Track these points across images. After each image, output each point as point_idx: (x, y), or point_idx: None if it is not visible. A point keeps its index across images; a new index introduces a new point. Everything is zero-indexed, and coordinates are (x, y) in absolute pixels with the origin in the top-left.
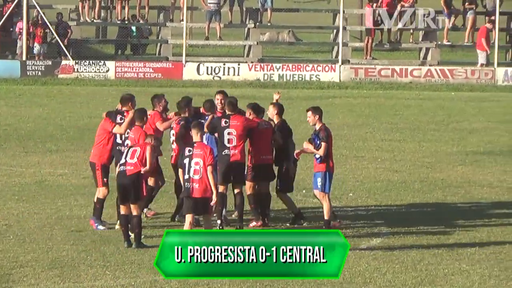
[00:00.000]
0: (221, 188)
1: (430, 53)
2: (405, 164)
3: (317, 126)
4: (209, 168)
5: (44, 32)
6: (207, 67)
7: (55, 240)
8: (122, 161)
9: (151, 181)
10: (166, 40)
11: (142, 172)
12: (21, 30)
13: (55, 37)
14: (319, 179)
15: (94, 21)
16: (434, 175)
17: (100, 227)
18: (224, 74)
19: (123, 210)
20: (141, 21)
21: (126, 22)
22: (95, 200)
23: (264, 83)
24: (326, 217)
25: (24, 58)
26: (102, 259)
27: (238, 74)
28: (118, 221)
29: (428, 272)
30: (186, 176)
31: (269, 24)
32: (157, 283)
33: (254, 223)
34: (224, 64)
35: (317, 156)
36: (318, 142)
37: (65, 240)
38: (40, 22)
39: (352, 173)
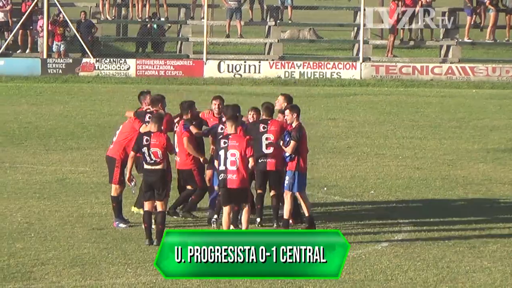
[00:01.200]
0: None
1: (451, 50)
2: (426, 161)
3: (294, 124)
4: (251, 160)
5: (64, 30)
6: (228, 65)
7: (76, 238)
8: (150, 161)
9: None
10: (187, 37)
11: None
12: (41, 28)
13: (75, 35)
14: (287, 178)
15: (115, 19)
16: (455, 173)
17: (121, 225)
18: (245, 72)
19: (147, 206)
20: (162, 19)
21: (147, 20)
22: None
23: (285, 80)
24: (285, 216)
25: (44, 56)
26: (123, 257)
27: (259, 72)
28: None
29: (449, 270)
30: (222, 168)
31: (290, 21)
32: (178, 280)
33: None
34: (245, 62)
35: (286, 154)
36: (288, 139)
37: (86, 238)
38: (60, 20)
39: (373, 170)
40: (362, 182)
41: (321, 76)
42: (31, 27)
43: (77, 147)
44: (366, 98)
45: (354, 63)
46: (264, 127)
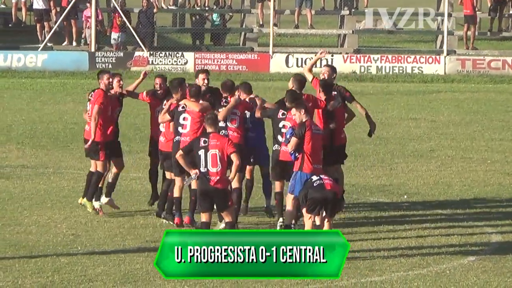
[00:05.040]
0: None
1: None
2: None
3: (303, 120)
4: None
5: (123, 20)
6: (297, 59)
7: (127, 252)
8: (203, 169)
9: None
10: (251, 28)
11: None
12: (88, 18)
13: (136, 25)
14: (292, 179)
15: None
16: None
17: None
18: (315, 67)
19: (204, 218)
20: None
21: (207, 8)
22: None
23: (361, 76)
24: (287, 222)
25: (93, 49)
26: None
27: None
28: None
29: None
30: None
31: (366, 10)
32: None
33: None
34: (315, 56)
35: (291, 151)
36: (288, 136)
37: (139, 252)
38: (121, 8)
39: (458, 176)
40: (446, 189)
41: (400, 71)
42: (76, 16)
43: (128, 151)
44: (451, 95)
45: (437, 57)
46: (283, 114)
